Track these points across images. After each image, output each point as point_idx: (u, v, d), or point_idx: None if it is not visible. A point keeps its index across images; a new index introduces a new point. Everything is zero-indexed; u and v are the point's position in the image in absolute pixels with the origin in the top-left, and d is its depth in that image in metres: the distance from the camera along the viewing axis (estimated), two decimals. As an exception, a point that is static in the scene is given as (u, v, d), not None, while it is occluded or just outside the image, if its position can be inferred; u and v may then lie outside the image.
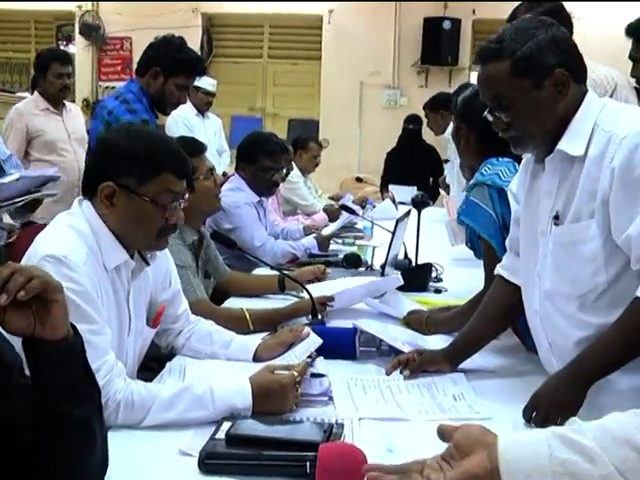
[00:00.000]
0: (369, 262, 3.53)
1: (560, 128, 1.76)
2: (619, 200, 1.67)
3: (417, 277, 3.05)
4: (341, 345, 2.19)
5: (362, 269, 3.45)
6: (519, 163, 2.09)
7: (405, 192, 5.78)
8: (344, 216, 4.54)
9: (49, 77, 4.65)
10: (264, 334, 2.37)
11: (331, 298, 2.58)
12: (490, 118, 1.82)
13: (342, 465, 1.32)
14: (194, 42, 8.40)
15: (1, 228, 3.22)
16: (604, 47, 6.52)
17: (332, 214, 4.92)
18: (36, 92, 4.80)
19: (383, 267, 3.09)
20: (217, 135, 6.30)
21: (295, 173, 5.39)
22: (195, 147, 2.68)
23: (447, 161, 5.62)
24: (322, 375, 1.91)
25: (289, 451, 1.47)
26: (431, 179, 6.90)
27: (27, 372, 1.26)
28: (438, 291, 3.05)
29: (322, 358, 2.04)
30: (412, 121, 7.32)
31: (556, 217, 1.80)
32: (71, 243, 1.77)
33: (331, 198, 6.13)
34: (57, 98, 4.72)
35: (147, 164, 1.84)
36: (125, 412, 1.67)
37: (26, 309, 1.18)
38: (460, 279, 3.14)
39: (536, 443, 1.08)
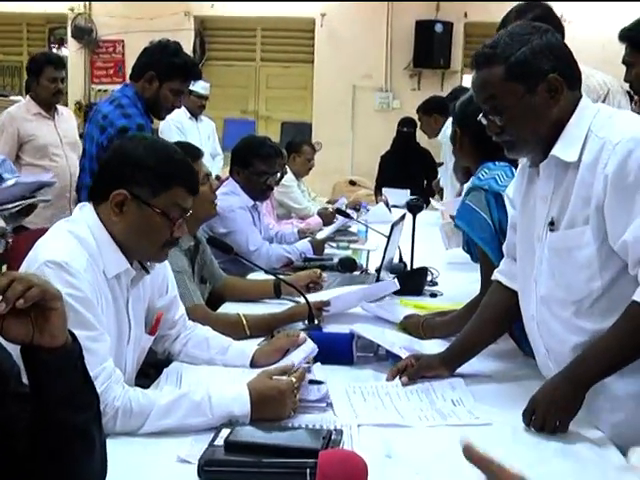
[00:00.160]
0: (364, 266, 3.53)
1: (554, 133, 1.77)
2: (614, 206, 1.68)
3: (412, 281, 3.05)
4: (338, 350, 2.19)
5: (357, 273, 3.45)
6: (516, 167, 2.09)
7: (399, 195, 5.77)
8: (339, 220, 4.53)
9: (42, 81, 4.61)
10: (260, 339, 2.37)
11: (327, 303, 2.58)
12: (484, 122, 1.83)
13: (342, 472, 1.31)
14: (187, 45, 8.35)
15: (1, 235, 3.19)
16: (595, 50, 6.55)
17: (326, 218, 4.92)
18: (28, 96, 4.76)
19: (378, 271, 3.09)
20: (210, 138, 6.29)
21: (289, 177, 5.38)
22: (192, 153, 2.67)
23: (441, 164, 5.62)
24: (320, 382, 1.91)
25: (288, 458, 1.47)
26: (425, 182, 6.90)
27: (25, 380, 1.25)
28: (434, 295, 3.05)
29: (319, 364, 2.03)
30: (406, 124, 7.30)
31: (551, 223, 1.80)
32: (72, 249, 1.77)
33: (329, 202, 6.12)
34: (50, 102, 4.69)
35: (162, 176, 1.85)
36: (123, 419, 1.67)
37: (25, 317, 1.17)
38: (455, 283, 3.14)
39: None
